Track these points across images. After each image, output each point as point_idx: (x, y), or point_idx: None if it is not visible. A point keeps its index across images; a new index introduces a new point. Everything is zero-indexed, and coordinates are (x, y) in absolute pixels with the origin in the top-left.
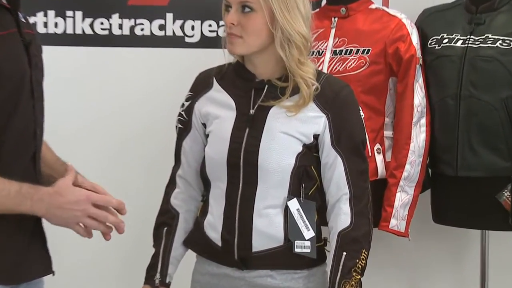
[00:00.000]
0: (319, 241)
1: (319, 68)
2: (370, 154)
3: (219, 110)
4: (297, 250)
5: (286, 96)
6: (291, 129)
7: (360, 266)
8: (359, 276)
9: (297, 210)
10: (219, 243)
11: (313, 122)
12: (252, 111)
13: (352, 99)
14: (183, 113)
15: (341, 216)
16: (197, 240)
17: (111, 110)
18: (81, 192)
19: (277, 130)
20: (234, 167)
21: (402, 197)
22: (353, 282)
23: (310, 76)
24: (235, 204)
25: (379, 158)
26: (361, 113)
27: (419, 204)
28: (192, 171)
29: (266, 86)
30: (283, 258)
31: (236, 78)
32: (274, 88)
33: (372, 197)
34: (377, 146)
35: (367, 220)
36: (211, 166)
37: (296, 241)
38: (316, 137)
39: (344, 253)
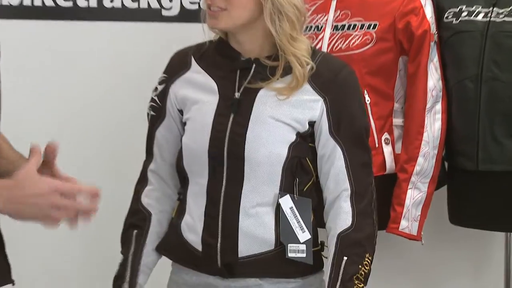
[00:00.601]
0: (316, 245)
1: (318, 46)
2: (377, 145)
3: (199, 94)
4: (290, 254)
5: (277, 76)
6: (283, 114)
7: (363, 273)
8: (362, 285)
9: (290, 208)
10: (199, 248)
11: (308, 106)
12: (237, 95)
13: (353, 80)
14: (156, 98)
15: (341, 215)
16: (172, 245)
17: (76, 92)
18: (45, 182)
19: (267, 116)
20: (216, 159)
21: (414, 195)
22: None
23: (304, 54)
24: (218, 202)
25: (387, 150)
26: (367, 97)
27: (433, 203)
28: (167, 166)
29: (254, 65)
30: (274, 264)
31: (218, 57)
32: (263, 68)
33: (379, 195)
34: (385, 135)
35: (371, 220)
36: (190, 158)
37: (289, 245)
38: (311, 124)
39: (345, 258)
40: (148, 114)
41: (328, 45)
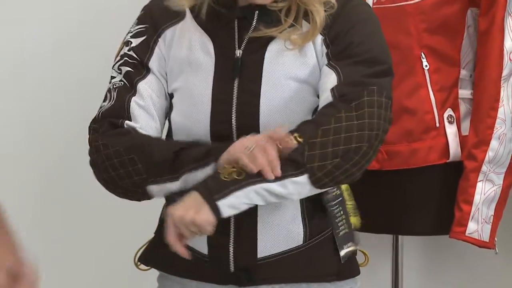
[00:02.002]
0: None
1: None
2: (437, 125)
3: (190, 55)
4: (343, 252)
5: (289, 22)
6: (302, 71)
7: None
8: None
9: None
10: (204, 250)
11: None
12: (238, 52)
13: (363, 10)
14: (131, 52)
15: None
16: (164, 252)
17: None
18: None
19: (284, 76)
20: (222, 138)
21: (485, 189)
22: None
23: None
24: None
25: (451, 131)
26: (425, 62)
27: (510, 200)
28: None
29: (257, 12)
30: (302, 265)
31: (211, 8)
32: (267, 14)
33: (440, 190)
34: (449, 112)
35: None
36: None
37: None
38: None
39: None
40: (111, 79)
41: None
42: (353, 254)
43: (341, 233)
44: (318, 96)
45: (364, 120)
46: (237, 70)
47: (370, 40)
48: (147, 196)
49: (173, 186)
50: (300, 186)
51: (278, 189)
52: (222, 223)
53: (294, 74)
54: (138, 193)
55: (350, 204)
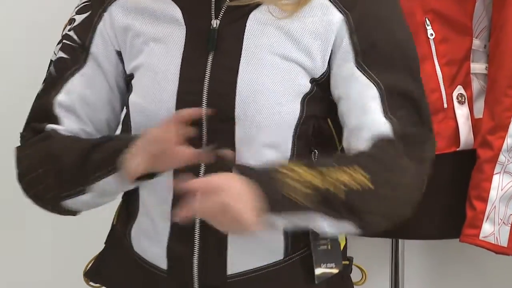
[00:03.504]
0: (343, 258)
1: None
2: (445, 106)
3: (153, 27)
4: (319, 271)
5: None
6: (290, 47)
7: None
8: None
9: None
10: (163, 265)
11: (324, 31)
12: (215, 23)
13: None
14: (72, 33)
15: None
16: (114, 266)
17: None
18: None
19: (266, 51)
20: (189, 126)
21: (503, 183)
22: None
23: None
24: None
25: (462, 113)
26: (430, 30)
27: None
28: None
29: None
30: (282, 284)
31: None
32: None
33: (449, 184)
34: (459, 90)
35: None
36: (143, 126)
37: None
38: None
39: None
40: (51, 62)
41: None
42: (344, 271)
43: (321, 247)
44: (312, 82)
45: (424, 178)
46: (212, 43)
47: (407, 33)
48: (72, 212)
49: (90, 198)
50: (344, 230)
51: (326, 227)
52: (185, 231)
53: (282, 50)
54: (61, 211)
55: None
